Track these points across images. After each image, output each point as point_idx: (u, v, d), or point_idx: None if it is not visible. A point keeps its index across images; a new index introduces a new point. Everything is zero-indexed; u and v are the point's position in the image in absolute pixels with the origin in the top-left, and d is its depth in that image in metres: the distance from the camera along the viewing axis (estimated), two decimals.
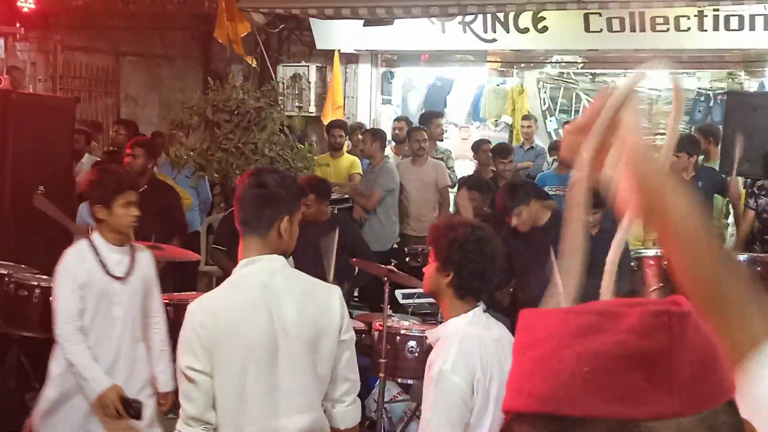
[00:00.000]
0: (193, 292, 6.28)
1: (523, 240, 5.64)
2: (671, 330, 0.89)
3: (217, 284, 7.25)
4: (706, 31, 9.63)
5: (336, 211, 7.95)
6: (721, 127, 8.72)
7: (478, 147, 9.17)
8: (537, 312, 0.98)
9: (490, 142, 9.24)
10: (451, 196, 8.65)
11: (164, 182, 7.30)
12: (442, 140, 9.42)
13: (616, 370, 0.87)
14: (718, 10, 9.28)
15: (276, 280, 2.87)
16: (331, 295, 2.94)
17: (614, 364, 0.88)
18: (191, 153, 8.34)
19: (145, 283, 4.51)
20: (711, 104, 11.70)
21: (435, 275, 3.20)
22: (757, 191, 6.86)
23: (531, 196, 5.65)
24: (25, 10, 11.80)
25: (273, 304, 2.82)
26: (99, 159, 8.39)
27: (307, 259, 6.27)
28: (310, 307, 2.87)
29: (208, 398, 2.74)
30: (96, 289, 4.25)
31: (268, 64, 10.98)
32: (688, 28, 9.70)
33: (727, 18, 9.42)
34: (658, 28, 9.82)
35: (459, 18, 10.13)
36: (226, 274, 6.86)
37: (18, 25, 12.10)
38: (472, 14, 9.96)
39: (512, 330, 4.84)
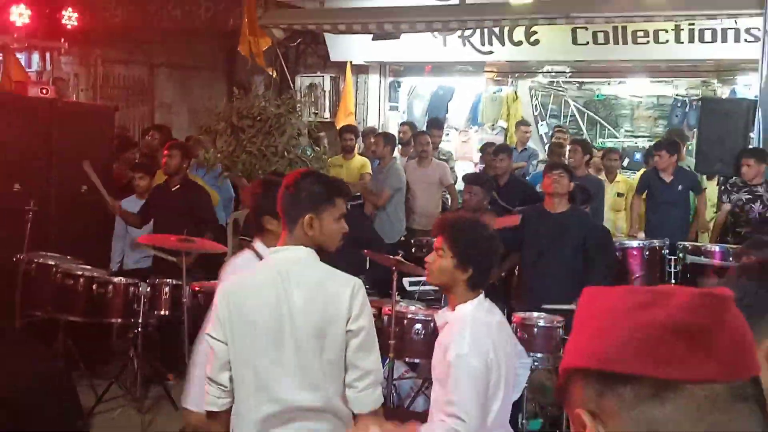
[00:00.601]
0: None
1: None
2: (714, 309, 0.99)
3: None
4: (682, 43, 9.61)
5: (348, 207, 7.95)
6: (695, 130, 8.71)
7: (484, 150, 9.14)
8: (599, 290, 1.07)
9: (494, 144, 9.19)
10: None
11: (195, 182, 7.30)
12: (437, 148, 9.40)
13: (664, 338, 0.96)
14: (693, 24, 9.26)
15: (293, 269, 2.89)
16: (343, 287, 2.90)
17: (664, 333, 0.96)
18: (219, 155, 8.36)
19: None
20: (687, 110, 11.66)
21: (452, 270, 3.14)
22: (729, 188, 6.85)
23: None
24: (69, 26, 11.82)
25: (283, 289, 2.85)
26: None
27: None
28: (320, 297, 2.87)
29: (222, 363, 2.84)
30: None
31: (287, 75, 10.98)
32: (666, 41, 9.67)
33: (701, 31, 9.40)
34: (638, 40, 9.80)
35: (459, 32, 10.13)
36: None
37: (62, 40, 12.11)
38: (471, 29, 9.96)
39: (505, 313, 4.85)
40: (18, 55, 11.95)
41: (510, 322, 4.93)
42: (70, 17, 11.66)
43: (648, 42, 9.77)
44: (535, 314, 5.27)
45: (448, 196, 8.66)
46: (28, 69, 12.28)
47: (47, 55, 12.87)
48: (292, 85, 10.97)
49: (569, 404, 1.04)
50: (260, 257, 3.51)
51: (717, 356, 0.97)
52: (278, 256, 2.99)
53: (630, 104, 13.04)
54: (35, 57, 13.05)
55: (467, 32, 10.20)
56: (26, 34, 11.72)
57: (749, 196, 6.63)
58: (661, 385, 0.96)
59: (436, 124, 9.81)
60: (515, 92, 12.32)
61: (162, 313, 5.85)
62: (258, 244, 3.64)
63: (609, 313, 1.02)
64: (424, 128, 9.83)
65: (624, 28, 9.74)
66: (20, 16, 11.20)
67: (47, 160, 7.29)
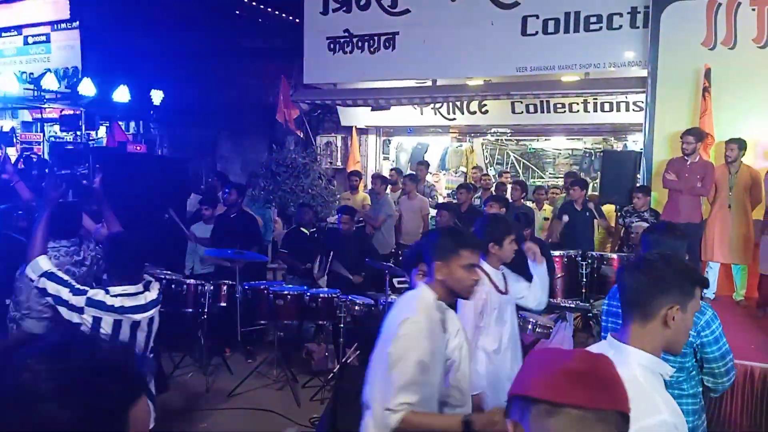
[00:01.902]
0: (263, 281, 6.28)
1: None
2: (592, 362, 1.15)
3: (281, 277, 7.27)
4: (588, 111, 9.69)
5: (355, 228, 7.95)
6: (599, 172, 8.75)
7: (458, 189, 8.92)
8: (542, 350, 1.24)
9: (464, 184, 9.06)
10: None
11: (247, 211, 7.29)
12: (424, 180, 9.41)
13: (557, 377, 1.11)
14: (596, 98, 9.35)
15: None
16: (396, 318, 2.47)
17: (558, 374, 1.11)
18: (262, 193, 8.38)
19: None
20: (593, 158, 11.75)
21: None
22: (625, 213, 6.86)
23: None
24: (156, 102, 11.87)
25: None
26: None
27: (350, 256, 6.34)
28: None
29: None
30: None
31: (310, 135, 11.03)
32: (578, 110, 9.75)
33: (602, 104, 9.49)
34: (558, 110, 9.88)
35: (431, 105, 10.20)
36: (289, 268, 6.90)
37: (151, 111, 12.17)
38: (440, 102, 10.04)
39: None
40: (120, 123, 12.01)
41: None
42: (157, 95, 11.73)
43: (565, 111, 9.85)
44: None
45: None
46: (127, 132, 12.33)
47: (140, 122, 12.92)
48: (314, 142, 11.02)
49: (508, 416, 1.17)
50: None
51: (589, 390, 1.09)
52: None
53: (553, 155, 13.12)
54: (132, 123, 13.10)
55: (437, 105, 10.28)
56: (126, 107, 11.78)
57: (639, 220, 6.65)
58: (552, 407, 1.09)
59: (424, 163, 9.82)
60: (471, 146, 12.39)
61: (221, 304, 5.83)
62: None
63: (534, 362, 1.18)
64: (410, 171, 9.79)
65: (548, 102, 9.81)
66: (121, 94, 11.26)
67: (140, 194, 7.26)
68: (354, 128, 11.17)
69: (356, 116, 11.08)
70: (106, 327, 2.84)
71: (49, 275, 2.85)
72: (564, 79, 8.39)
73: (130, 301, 2.88)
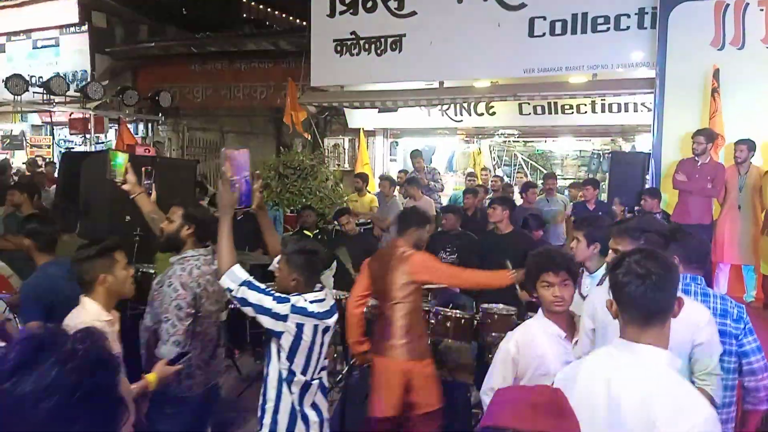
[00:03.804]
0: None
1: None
2: (546, 394, 1.40)
3: None
4: (596, 113, 9.66)
5: (362, 230, 7.96)
6: (607, 174, 8.73)
7: (464, 194, 8.91)
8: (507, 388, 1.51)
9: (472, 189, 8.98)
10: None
11: (253, 214, 7.28)
12: (423, 169, 9.39)
13: (519, 408, 1.30)
14: (604, 99, 9.33)
15: None
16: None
17: (520, 406, 1.31)
18: (271, 194, 8.41)
19: None
20: (601, 160, 11.70)
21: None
22: (634, 213, 6.83)
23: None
24: (164, 105, 11.94)
25: None
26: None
27: (355, 257, 6.32)
28: None
29: None
30: None
31: (318, 138, 11.06)
32: (586, 112, 9.72)
33: (610, 105, 9.46)
34: (566, 111, 9.85)
35: (438, 107, 10.20)
36: None
37: (160, 114, 12.23)
38: (447, 104, 10.03)
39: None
40: (129, 125, 12.08)
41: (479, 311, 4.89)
42: (165, 98, 11.79)
43: (573, 112, 9.82)
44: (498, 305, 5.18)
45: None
46: (136, 135, 12.39)
47: (149, 125, 13.00)
48: (321, 145, 11.04)
49: None
50: None
51: (551, 419, 1.25)
52: None
53: (561, 156, 13.07)
54: (141, 126, 13.18)
55: (444, 107, 10.28)
56: (134, 110, 11.85)
57: None
58: None
59: (418, 152, 9.70)
60: (479, 148, 12.37)
61: (231, 306, 5.84)
62: None
63: (502, 396, 1.40)
64: (414, 167, 9.74)
65: (555, 103, 9.79)
66: (129, 97, 11.33)
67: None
68: (361, 130, 11.18)
69: (363, 118, 11.09)
70: (307, 333, 2.82)
71: (248, 284, 2.80)
72: (571, 81, 8.38)
73: (320, 306, 2.87)
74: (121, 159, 4.15)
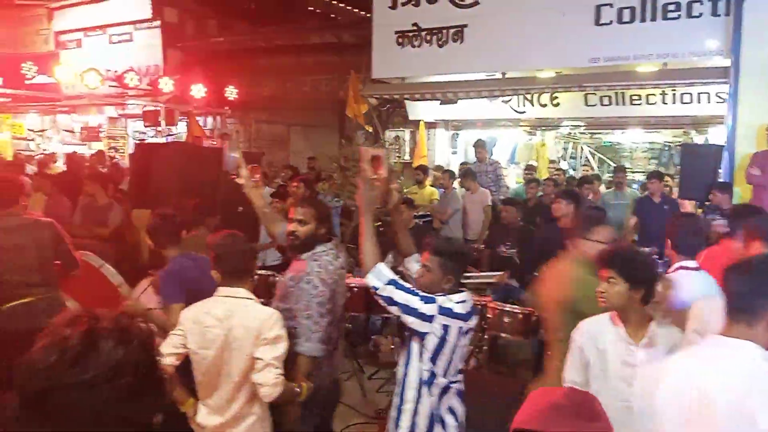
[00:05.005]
0: None
1: None
2: (574, 396, 1.41)
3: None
4: (667, 103, 9.34)
5: (422, 222, 7.98)
6: (679, 167, 8.43)
7: (528, 183, 8.71)
8: (543, 389, 1.50)
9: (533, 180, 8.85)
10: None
11: (321, 202, 7.37)
12: (484, 159, 9.32)
13: (546, 412, 1.31)
14: (675, 89, 8.99)
15: None
16: None
17: (547, 409, 1.31)
18: (333, 186, 8.55)
19: None
20: (672, 152, 11.33)
21: (627, 293, 2.56)
22: (706, 210, 6.57)
23: None
24: (231, 98, 12.27)
25: None
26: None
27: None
28: None
29: None
30: None
31: (379, 130, 11.11)
32: (656, 102, 9.41)
33: (681, 95, 9.12)
34: (634, 102, 9.57)
35: (501, 98, 10.08)
36: (356, 262, 6.98)
37: (226, 108, 12.58)
38: (509, 95, 9.90)
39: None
40: (198, 118, 12.47)
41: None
42: (231, 92, 12.12)
43: (641, 103, 9.54)
44: None
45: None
46: (204, 127, 12.80)
47: (217, 118, 13.39)
48: (382, 137, 11.10)
49: None
50: None
51: (576, 421, 1.24)
52: None
53: (630, 148, 12.70)
54: (209, 119, 13.59)
55: (506, 98, 10.14)
56: (203, 103, 12.23)
57: (720, 218, 6.36)
58: None
59: (480, 143, 9.62)
60: (543, 140, 12.17)
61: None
62: None
63: (530, 399, 1.38)
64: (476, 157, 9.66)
65: (623, 93, 9.53)
66: (198, 91, 11.70)
67: (215, 188, 7.46)
68: (422, 122, 11.17)
69: (424, 110, 11.08)
70: (453, 334, 2.76)
71: (395, 283, 2.76)
72: (640, 70, 8.09)
73: (464, 308, 2.81)
74: (236, 154, 4.34)
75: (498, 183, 9.15)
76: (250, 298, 2.93)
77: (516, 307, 5.00)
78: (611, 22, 7.82)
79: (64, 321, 1.07)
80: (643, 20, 7.62)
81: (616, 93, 9.52)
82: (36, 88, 12.05)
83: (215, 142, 12.22)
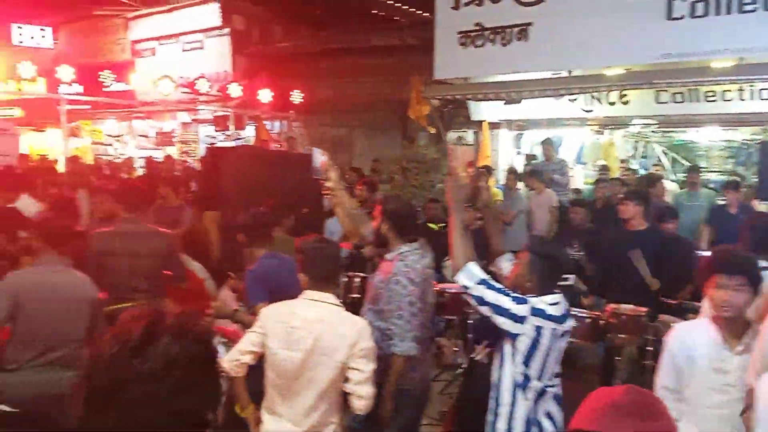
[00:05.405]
0: None
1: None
2: (634, 395, 1.31)
3: None
4: (744, 100, 8.92)
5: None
6: (758, 166, 8.03)
7: (597, 183, 8.55)
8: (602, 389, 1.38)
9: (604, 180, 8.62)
10: None
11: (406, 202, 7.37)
12: (552, 158, 9.19)
13: (606, 412, 1.27)
14: (753, 85, 8.57)
15: None
16: None
17: (607, 409, 1.27)
18: (395, 188, 8.58)
19: None
20: (750, 150, 10.78)
21: (750, 300, 2.53)
22: None
23: None
24: (296, 102, 12.51)
25: None
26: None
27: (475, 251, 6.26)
28: None
29: None
30: None
31: (442, 131, 11.08)
32: (732, 99, 9.00)
33: (760, 90, 8.69)
34: (709, 99, 9.18)
35: (567, 97, 9.87)
36: None
37: (291, 111, 12.82)
38: (576, 94, 9.69)
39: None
40: (264, 122, 12.78)
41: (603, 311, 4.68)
42: (296, 96, 12.36)
43: (716, 100, 9.15)
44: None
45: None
46: (271, 131, 13.09)
47: (282, 122, 13.66)
48: (445, 138, 11.06)
49: None
50: None
51: (636, 420, 1.22)
52: None
53: (705, 147, 12.17)
54: (275, 123, 13.88)
55: (573, 96, 9.92)
56: (269, 108, 12.51)
57: None
58: None
59: (548, 141, 9.49)
60: (611, 139, 11.82)
61: (353, 295, 6.03)
62: None
63: (589, 399, 1.34)
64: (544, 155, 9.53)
65: (697, 90, 9.16)
66: (265, 96, 11.99)
67: (282, 189, 7.57)
68: (485, 123, 11.05)
69: (487, 110, 10.96)
70: (546, 336, 2.71)
71: (486, 283, 2.72)
72: (714, 66, 7.76)
73: (557, 310, 2.77)
74: (324, 158, 4.50)
75: (564, 183, 8.97)
76: (340, 305, 2.89)
77: (583, 311, 4.87)
78: (683, 17, 7.53)
79: (129, 316, 1.12)
80: (717, 14, 7.31)
81: (689, 90, 9.16)
82: (113, 96, 12.62)
83: (281, 146, 12.47)
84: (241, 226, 3.91)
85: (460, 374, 5.53)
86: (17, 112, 14.05)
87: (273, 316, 2.85)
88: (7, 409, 3.18)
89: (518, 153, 11.99)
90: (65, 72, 10.61)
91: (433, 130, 11.02)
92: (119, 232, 4.18)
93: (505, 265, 3.10)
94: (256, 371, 2.91)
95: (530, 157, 10.78)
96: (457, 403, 4.54)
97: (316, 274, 2.85)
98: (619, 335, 4.49)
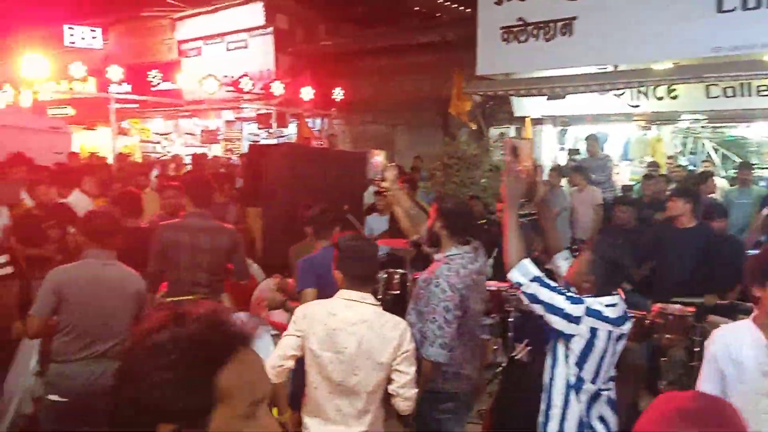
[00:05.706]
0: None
1: None
2: (700, 400, 1.30)
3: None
4: None
5: (527, 221, 7.77)
6: None
7: (644, 179, 8.46)
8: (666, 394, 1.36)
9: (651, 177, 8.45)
10: None
11: (420, 203, 7.42)
12: (596, 153, 9.07)
13: (670, 418, 1.23)
14: None
15: None
16: None
17: (670, 415, 1.24)
18: (436, 184, 8.54)
19: None
20: None
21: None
22: None
23: None
24: (337, 100, 12.57)
25: None
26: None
27: None
28: None
29: None
30: None
31: (483, 127, 10.98)
32: None
33: None
34: (761, 93, 8.84)
35: (612, 92, 9.66)
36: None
37: (333, 109, 12.89)
38: (622, 89, 9.46)
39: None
40: (307, 120, 12.89)
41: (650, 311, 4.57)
42: (338, 94, 12.42)
43: None
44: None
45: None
46: (313, 128, 13.20)
47: (324, 119, 13.76)
48: (486, 134, 10.96)
49: None
50: None
51: (702, 427, 1.18)
52: None
53: (757, 143, 11.75)
54: (317, 121, 13.99)
55: (618, 91, 9.70)
56: (311, 105, 12.61)
57: None
58: None
59: (592, 137, 9.38)
60: (659, 135, 11.51)
61: (394, 292, 6.03)
62: None
63: (655, 403, 1.31)
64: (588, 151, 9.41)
65: (749, 84, 8.83)
66: (307, 94, 12.09)
67: (322, 186, 7.62)
68: (528, 119, 10.91)
69: (530, 106, 10.81)
70: (601, 338, 2.63)
71: (540, 281, 2.66)
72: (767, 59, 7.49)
73: (614, 312, 2.66)
74: (380, 158, 4.55)
75: (609, 179, 8.80)
76: (378, 305, 2.82)
77: (629, 311, 4.76)
78: (735, 9, 7.29)
79: (159, 305, 1.12)
80: None
81: (741, 84, 8.84)
82: (161, 95, 12.93)
83: (322, 143, 12.56)
84: (309, 218, 4.04)
85: (500, 373, 5.48)
86: (69, 111, 14.52)
87: (310, 316, 2.76)
88: (57, 399, 3.29)
89: (562, 149, 11.80)
90: (115, 72, 10.92)
91: (474, 126, 10.94)
92: (185, 226, 4.22)
93: (562, 263, 3.02)
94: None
95: (573, 152, 10.61)
96: (496, 401, 4.51)
97: (353, 273, 2.79)
98: (666, 336, 4.37)
